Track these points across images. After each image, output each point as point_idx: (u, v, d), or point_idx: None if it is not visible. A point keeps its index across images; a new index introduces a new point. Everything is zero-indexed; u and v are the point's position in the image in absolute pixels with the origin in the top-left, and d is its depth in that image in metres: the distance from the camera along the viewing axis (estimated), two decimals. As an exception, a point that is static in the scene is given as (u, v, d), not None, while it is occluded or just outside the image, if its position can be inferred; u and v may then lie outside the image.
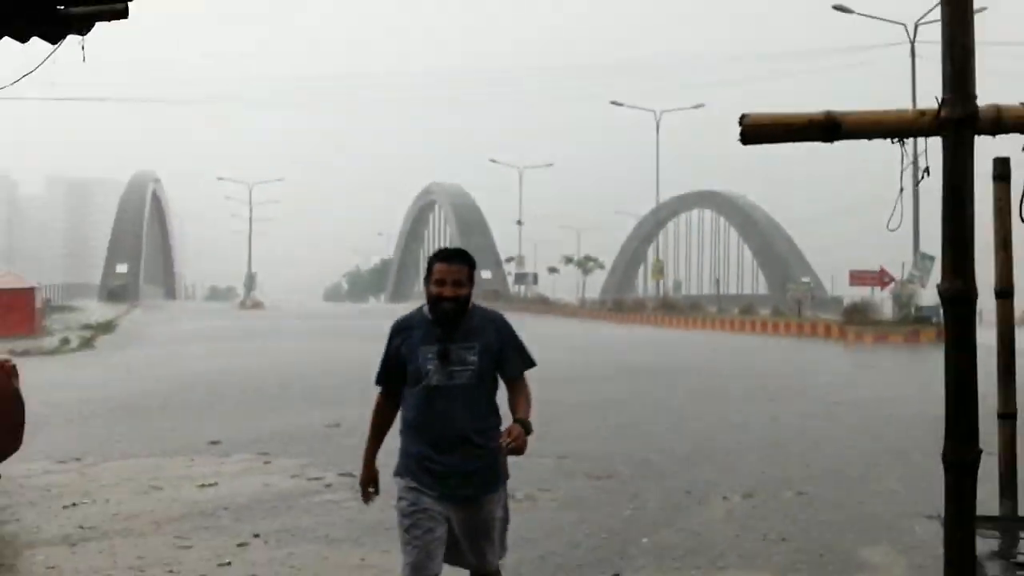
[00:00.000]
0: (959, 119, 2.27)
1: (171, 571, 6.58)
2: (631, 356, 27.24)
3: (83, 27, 2.46)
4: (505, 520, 4.28)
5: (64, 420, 12.78)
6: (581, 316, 62.14)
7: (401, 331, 4.21)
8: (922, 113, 2.39)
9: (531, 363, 4.36)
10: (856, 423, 13.81)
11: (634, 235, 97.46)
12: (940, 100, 2.31)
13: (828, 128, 2.41)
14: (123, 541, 7.38)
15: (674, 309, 59.10)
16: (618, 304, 67.62)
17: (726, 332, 44.38)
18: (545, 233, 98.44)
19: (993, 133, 2.48)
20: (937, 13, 2.23)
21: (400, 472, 4.13)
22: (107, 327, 40.56)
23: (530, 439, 4.13)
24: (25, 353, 23.79)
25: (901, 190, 2.58)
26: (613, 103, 66.15)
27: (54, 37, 2.56)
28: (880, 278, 43.06)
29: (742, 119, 2.39)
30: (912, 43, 39.00)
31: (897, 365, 25.55)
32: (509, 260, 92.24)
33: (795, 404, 15.98)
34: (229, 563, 6.76)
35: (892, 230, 2.87)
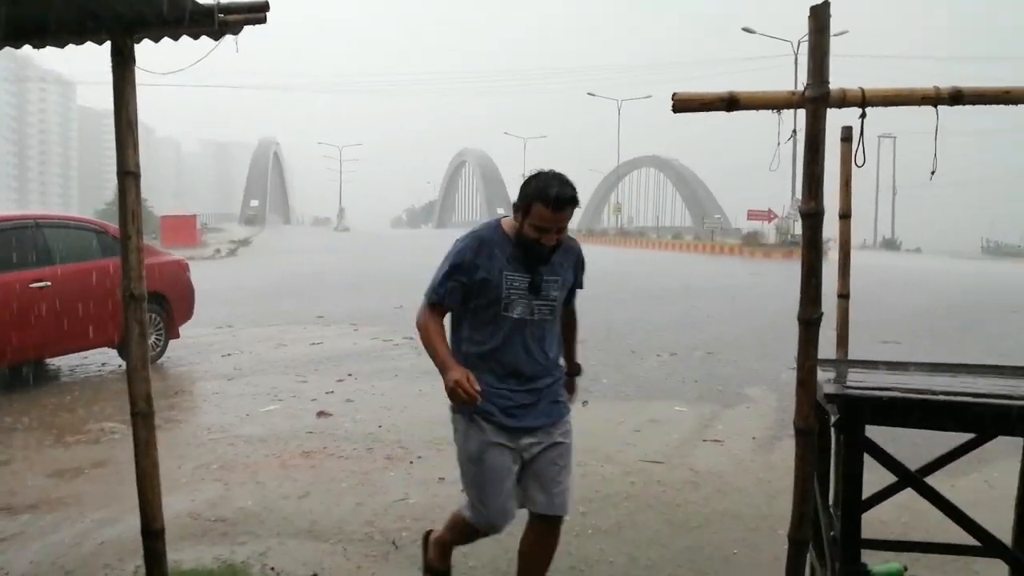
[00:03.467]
0: (816, 97, 2.33)
1: (294, 396, 6.78)
2: (595, 265, 27.26)
3: (236, 29, 2.43)
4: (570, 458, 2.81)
5: (220, 301, 12.89)
6: (564, 239, 61.77)
7: (481, 246, 2.65)
8: (793, 93, 2.41)
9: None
10: (747, 309, 13.94)
11: (601, 185, 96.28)
12: (804, 85, 2.37)
13: (729, 102, 2.44)
14: (261, 378, 7.58)
15: (627, 235, 58.96)
16: (589, 231, 67.40)
17: (662, 251, 44.25)
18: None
19: (840, 107, 2.51)
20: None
21: (462, 408, 2.66)
22: (245, 242, 40.24)
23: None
24: (190, 259, 23.82)
25: (779, 144, 2.63)
26: (589, 94, 64.83)
27: (215, 36, 2.50)
28: (768, 215, 42.92)
29: (674, 96, 2.42)
30: (795, 54, 38.35)
31: (776, 273, 25.50)
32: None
33: (707, 297, 16.11)
34: (332, 392, 6.96)
35: (773, 171, 2.92)
